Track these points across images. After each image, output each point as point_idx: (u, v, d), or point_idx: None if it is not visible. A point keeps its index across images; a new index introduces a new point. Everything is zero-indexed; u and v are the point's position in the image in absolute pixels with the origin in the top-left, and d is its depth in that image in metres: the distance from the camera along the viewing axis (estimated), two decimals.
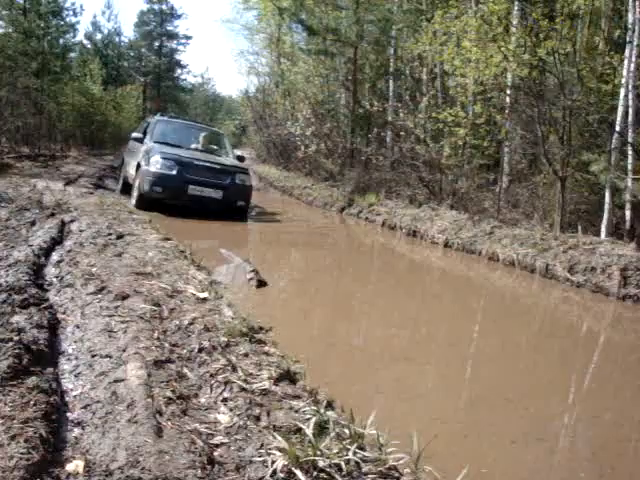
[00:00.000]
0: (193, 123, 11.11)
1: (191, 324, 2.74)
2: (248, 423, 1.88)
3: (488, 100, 9.87)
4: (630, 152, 7.00)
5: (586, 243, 6.36)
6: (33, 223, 5.17)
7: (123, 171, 10.45)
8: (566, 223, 7.61)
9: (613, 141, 7.24)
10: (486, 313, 5.12)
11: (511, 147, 10.05)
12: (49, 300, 3.00)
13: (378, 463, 1.74)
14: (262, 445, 1.74)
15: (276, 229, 8.83)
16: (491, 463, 2.23)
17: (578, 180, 8.02)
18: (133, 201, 8.39)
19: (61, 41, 21.56)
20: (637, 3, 7.05)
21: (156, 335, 2.52)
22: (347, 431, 1.86)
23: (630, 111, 7.01)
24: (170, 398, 1.96)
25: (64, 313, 2.89)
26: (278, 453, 1.67)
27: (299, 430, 1.83)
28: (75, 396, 2.03)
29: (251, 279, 4.61)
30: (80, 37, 30.92)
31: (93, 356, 2.33)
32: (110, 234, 4.84)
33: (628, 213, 7.00)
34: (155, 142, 8.74)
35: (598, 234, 7.09)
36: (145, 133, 9.28)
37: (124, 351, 2.31)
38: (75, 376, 2.20)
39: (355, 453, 1.73)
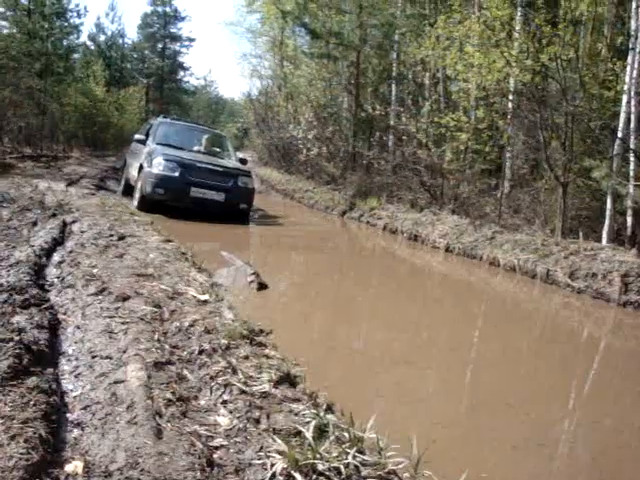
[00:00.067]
0: (196, 125, 11.12)
1: (191, 326, 2.74)
2: (248, 426, 1.88)
3: (490, 105, 9.88)
4: (632, 158, 7.00)
5: (587, 249, 6.35)
6: (35, 223, 5.17)
7: (125, 173, 10.47)
8: (567, 229, 7.60)
9: (615, 147, 7.23)
10: (487, 318, 5.11)
11: (513, 152, 10.06)
12: (50, 301, 3.00)
13: (377, 467, 1.74)
14: (262, 448, 1.74)
15: (277, 232, 8.84)
16: (491, 468, 2.22)
17: (580, 186, 8.02)
18: (135, 202, 8.38)
19: (65, 42, 21.65)
20: None
21: (156, 337, 2.52)
22: (347, 435, 1.85)
23: (632, 117, 7.01)
24: (170, 400, 1.96)
25: (65, 314, 2.90)
26: (277, 456, 1.67)
27: (299, 433, 1.83)
28: (75, 397, 2.03)
29: (252, 282, 4.60)
30: (84, 38, 31.13)
31: (93, 357, 2.33)
32: (111, 235, 4.84)
33: (629, 219, 6.99)
34: (158, 144, 8.74)
35: (599, 240, 7.08)
36: (148, 135, 9.28)
37: (124, 352, 2.31)
38: (75, 377, 2.20)
39: (354, 457, 1.72)
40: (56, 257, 4.11)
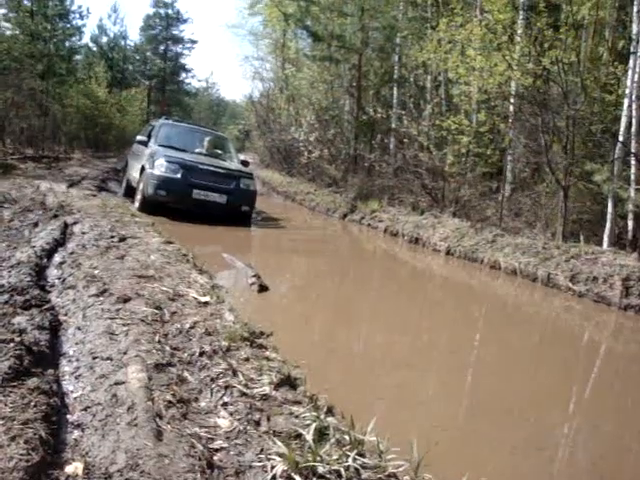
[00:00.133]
0: (198, 127, 11.10)
1: (192, 328, 2.74)
2: (248, 428, 1.88)
3: (492, 108, 9.89)
4: (633, 162, 7.01)
5: (588, 253, 6.35)
6: (36, 224, 5.18)
7: (127, 174, 10.45)
8: (568, 232, 7.60)
9: (616, 151, 7.24)
10: (487, 321, 5.11)
11: (514, 156, 10.06)
12: (51, 302, 3.00)
13: (378, 470, 1.74)
14: (262, 450, 1.74)
15: (279, 234, 8.84)
16: (491, 471, 2.22)
17: (581, 190, 8.02)
18: (136, 204, 8.37)
19: (67, 44, 21.73)
20: None
21: (157, 338, 2.52)
22: (347, 437, 1.85)
23: (633, 121, 7.02)
24: (170, 401, 1.96)
25: (66, 315, 2.90)
26: (278, 458, 1.67)
27: (299, 436, 1.83)
28: (75, 398, 2.03)
29: (253, 284, 4.61)
30: (86, 40, 31.15)
31: (94, 358, 2.33)
32: (113, 237, 4.84)
33: (630, 223, 7.00)
34: (160, 145, 8.74)
35: (600, 244, 7.08)
36: (149, 136, 9.27)
37: (125, 354, 2.31)
38: (76, 378, 2.20)
39: (355, 459, 1.73)
40: (57, 258, 4.12)
